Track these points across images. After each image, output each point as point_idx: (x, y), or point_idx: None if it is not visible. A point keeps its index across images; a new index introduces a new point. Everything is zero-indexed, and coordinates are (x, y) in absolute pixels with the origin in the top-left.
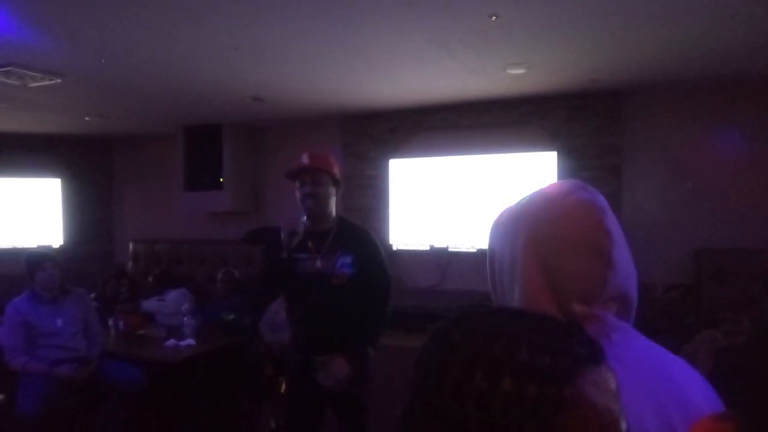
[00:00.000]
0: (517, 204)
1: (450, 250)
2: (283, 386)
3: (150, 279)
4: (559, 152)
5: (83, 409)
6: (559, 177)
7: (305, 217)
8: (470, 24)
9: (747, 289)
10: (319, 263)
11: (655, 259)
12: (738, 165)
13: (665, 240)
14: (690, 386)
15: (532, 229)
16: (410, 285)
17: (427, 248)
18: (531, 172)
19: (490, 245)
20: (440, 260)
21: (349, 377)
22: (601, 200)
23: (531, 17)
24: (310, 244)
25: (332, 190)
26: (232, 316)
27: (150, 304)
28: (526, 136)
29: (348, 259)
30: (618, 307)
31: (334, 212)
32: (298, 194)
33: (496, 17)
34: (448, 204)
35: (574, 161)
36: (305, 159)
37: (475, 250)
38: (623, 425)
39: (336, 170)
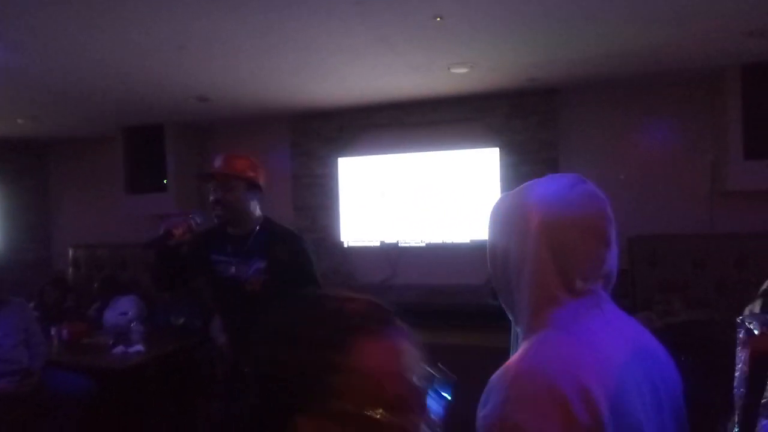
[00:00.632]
0: (516, 194)
1: (400, 245)
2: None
3: (95, 285)
4: (501, 148)
5: (28, 423)
6: (501, 172)
7: (223, 223)
8: (415, 24)
9: (677, 271)
10: (233, 269)
11: None
12: (665, 156)
13: None
14: (658, 349)
15: (544, 216)
16: (362, 281)
17: (378, 244)
18: (475, 168)
19: (491, 235)
20: (390, 255)
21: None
22: (601, 192)
23: (474, 19)
24: (228, 248)
25: (248, 195)
26: (182, 320)
27: (96, 313)
28: (470, 132)
29: (261, 264)
30: (604, 283)
31: (256, 215)
32: (211, 196)
33: (441, 18)
34: (397, 200)
35: (515, 156)
36: (217, 162)
37: (424, 245)
38: (408, 388)
39: (252, 174)
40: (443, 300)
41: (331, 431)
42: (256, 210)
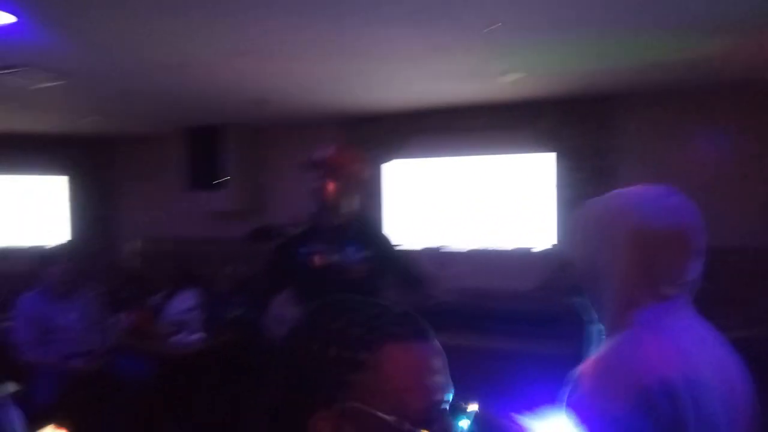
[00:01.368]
0: (607, 201)
1: (445, 249)
2: None
3: (167, 275)
4: (557, 153)
5: (94, 401)
6: (557, 178)
7: (321, 212)
8: (470, 32)
9: (737, 285)
10: (335, 257)
11: None
12: (726, 167)
13: None
14: (733, 357)
15: (636, 224)
16: None
17: (420, 248)
18: (527, 174)
19: (581, 237)
20: (433, 259)
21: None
22: (692, 203)
23: (529, 26)
24: (326, 237)
25: (348, 186)
26: (239, 312)
27: (160, 301)
28: (523, 138)
29: (365, 252)
30: (688, 289)
31: (354, 207)
32: (313, 188)
33: (495, 26)
34: (444, 204)
35: (570, 162)
36: (325, 152)
37: (469, 250)
38: (428, 405)
39: (356, 167)
40: (488, 304)
41: (346, 431)
42: (354, 204)
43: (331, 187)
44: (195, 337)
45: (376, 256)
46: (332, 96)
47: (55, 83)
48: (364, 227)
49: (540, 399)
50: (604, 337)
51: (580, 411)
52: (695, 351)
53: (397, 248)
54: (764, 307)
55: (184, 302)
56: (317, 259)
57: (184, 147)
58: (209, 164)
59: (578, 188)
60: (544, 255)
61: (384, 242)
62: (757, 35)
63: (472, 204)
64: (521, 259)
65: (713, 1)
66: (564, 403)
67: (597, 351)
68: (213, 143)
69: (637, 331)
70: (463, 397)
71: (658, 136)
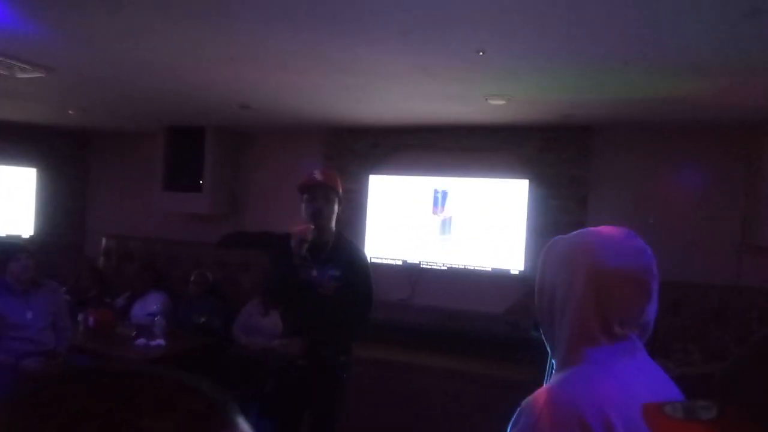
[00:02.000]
0: (571, 239)
1: (422, 266)
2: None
3: (137, 275)
4: (530, 180)
5: (51, 404)
6: (530, 204)
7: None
8: (457, 56)
9: (699, 321)
10: (314, 273)
11: None
12: (696, 202)
13: None
14: (678, 395)
15: (595, 265)
16: (381, 297)
17: (399, 263)
18: (503, 197)
19: (541, 271)
20: (411, 275)
21: (300, 354)
22: (650, 249)
23: (515, 54)
24: (309, 254)
25: (336, 207)
26: (203, 319)
27: (123, 303)
28: (501, 162)
29: (337, 272)
30: (640, 332)
31: (333, 226)
32: (305, 207)
33: (483, 52)
34: (422, 222)
35: (544, 190)
36: (318, 175)
37: (445, 268)
38: None
39: (340, 188)
40: (460, 325)
41: None
42: (334, 221)
43: (327, 208)
44: (157, 342)
45: (345, 277)
46: (315, 106)
47: (35, 75)
48: (342, 247)
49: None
50: (554, 371)
51: None
52: (642, 392)
53: (365, 274)
54: (722, 343)
55: (150, 305)
56: (300, 273)
57: (163, 146)
58: (188, 165)
59: (551, 215)
60: (517, 279)
61: (356, 265)
62: (735, 78)
63: (452, 223)
64: (496, 281)
65: (699, 44)
66: None
67: (545, 385)
68: (193, 144)
69: (585, 368)
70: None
71: (634, 168)
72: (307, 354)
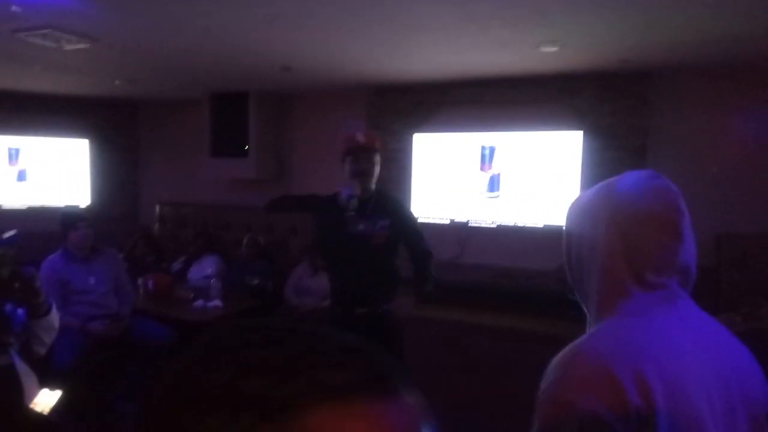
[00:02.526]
0: (593, 190)
1: (470, 225)
2: None
3: (195, 241)
4: (585, 132)
5: (115, 364)
6: (584, 157)
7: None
8: (507, 1)
9: (767, 273)
10: (361, 226)
11: None
12: (761, 149)
13: None
14: (741, 355)
15: (616, 209)
16: None
17: (447, 222)
18: (556, 151)
19: (567, 227)
20: (459, 234)
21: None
22: (675, 186)
23: None
24: (357, 208)
25: (378, 168)
26: (256, 281)
27: (179, 267)
28: (553, 114)
29: (386, 222)
30: (681, 279)
31: (374, 186)
32: (349, 168)
33: None
34: (470, 179)
35: (599, 141)
36: (361, 138)
37: (494, 226)
38: None
39: (383, 149)
40: (511, 283)
41: None
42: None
43: (374, 169)
44: (214, 303)
45: (394, 224)
46: (357, 64)
47: (81, 46)
48: (385, 199)
49: None
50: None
51: (545, 404)
52: (679, 344)
53: (415, 221)
54: None
55: (205, 269)
56: (347, 228)
57: (208, 113)
58: (233, 131)
59: (607, 168)
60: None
61: (403, 214)
62: None
63: (500, 180)
64: (548, 237)
65: None
66: (538, 394)
67: (576, 341)
68: (237, 110)
69: (618, 321)
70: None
71: (694, 116)
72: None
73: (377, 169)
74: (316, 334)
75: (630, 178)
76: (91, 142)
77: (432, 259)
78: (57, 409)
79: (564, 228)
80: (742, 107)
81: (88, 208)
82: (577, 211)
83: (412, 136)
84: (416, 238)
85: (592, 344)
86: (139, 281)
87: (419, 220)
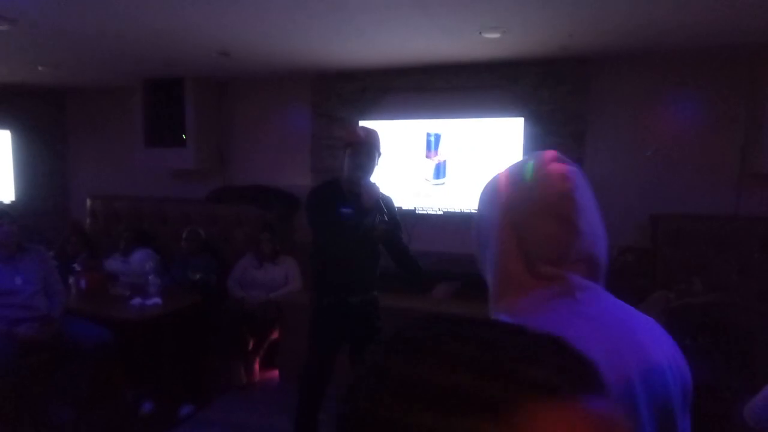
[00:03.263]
0: (498, 175)
1: (417, 212)
2: (251, 343)
3: (123, 235)
4: (526, 118)
5: (46, 369)
6: (526, 143)
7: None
8: None
9: (700, 252)
10: (356, 218)
11: (613, 224)
12: (695, 133)
13: (624, 205)
14: (652, 342)
15: (509, 194)
16: None
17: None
18: (499, 137)
19: (477, 209)
20: (407, 222)
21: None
22: (573, 171)
23: None
24: (352, 203)
25: (375, 164)
26: (198, 275)
27: (114, 264)
28: (496, 100)
29: (381, 216)
30: (586, 269)
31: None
32: (347, 162)
33: None
34: (416, 167)
35: (540, 127)
36: (362, 133)
37: (441, 213)
38: None
39: (381, 145)
40: (459, 269)
41: None
42: None
43: (371, 165)
44: (153, 301)
45: (390, 219)
46: (300, 49)
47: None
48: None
49: None
50: None
51: None
52: (576, 339)
53: (396, 211)
54: (724, 273)
55: (141, 265)
56: (344, 221)
57: (142, 100)
58: (169, 119)
59: None
60: None
61: (391, 204)
62: (742, 3)
63: (446, 167)
64: None
65: None
66: None
67: None
68: (173, 97)
69: (511, 319)
70: None
71: (632, 100)
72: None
73: (374, 165)
74: (508, 333)
75: (529, 162)
76: (13, 133)
77: (416, 261)
78: None
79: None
80: (676, 91)
81: (12, 203)
82: (483, 192)
83: (357, 124)
84: (399, 232)
85: None
86: (71, 280)
87: None
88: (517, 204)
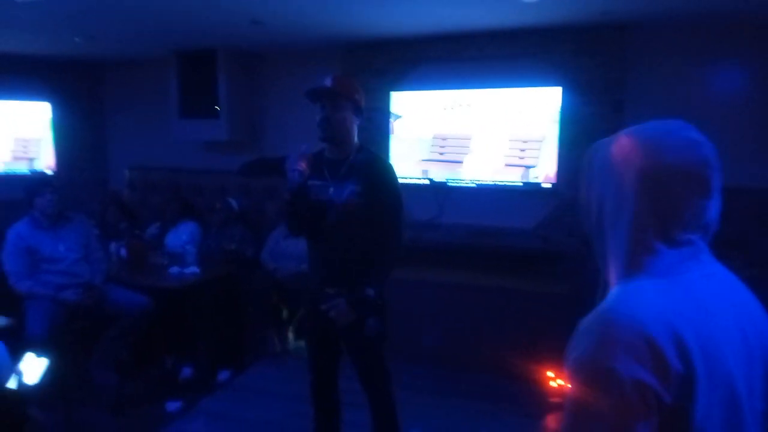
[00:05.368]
0: (615, 141)
1: (449, 183)
2: (285, 312)
3: (172, 207)
4: (563, 87)
5: (90, 333)
6: (563, 113)
7: (325, 144)
8: None
9: (742, 227)
10: (331, 190)
11: None
12: (738, 103)
13: None
14: (756, 308)
15: (645, 162)
16: (408, 217)
17: (426, 182)
18: (533, 108)
19: (586, 183)
20: (438, 193)
21: (348, 319)
22: (706, 139)
23: None
24: (326, 171)
25: (352, 117)
26: (233, 246)
27: (155, 233)
28: (531, 69)
29: (357, 188)
30: (703, 233)
31: (355, 140)
32: (317, 118)
33: None
34: (448, 138)
35: (578, 97)
36: (327, 81)
37: (473, 185)
38: None
39: (358, 96)
40: (491, 242)
41: None
42: (355, 135)
43: (336, 116)
44: (191, 270)
45: (366, 192)
46: (331, 17)
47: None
48: (363, 160)
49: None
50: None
51: (582, 370)
52: (709, 302)
53: (388, 191)
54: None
55: (180, 234)
56: (314, 193)
57: (176, 72)
58: (202, 91)
59: (585, 124)
60: (549, 192)
61: (377, 180)
62: None
63: (479, 137)
64: (527, 195)
65: None
66: (566, 363)
67: (601, 303)
68: (206, 69)
69: (647, 280)
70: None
71: (673, 69)
72: (352, 308)
73: (347, 118)
74: None
75: (659, 129)
76: (54, 106)
77: (397, 235)
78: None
79: (582, 184)
80: (719, 60)
81: (54, 174)
82: (599, 166)
83: (389, 95)
84: (380, 214)
85: (625, 308)
86: (112, 248)
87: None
88: (656, 171)
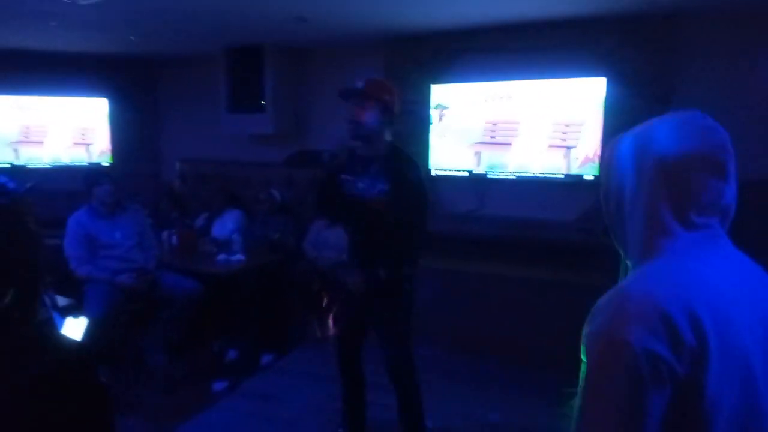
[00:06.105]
0: (634, 133)
1: (488, 176)
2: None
3: (217, 196)
4: (608, 78)
5: (143, 317)
6: (607, 105)
7: (356, 141)
8: None
9: None
10: (360, 185)
11: None
12: None
13: None
14: None
15: (662, 151)
16: (448, 209)
17: (466, 174)
18: (576, 99)
19: (605, 174)
20: (478, 186)
21: (358, 288)
22: (722, 127)
23: None
24: (358, 168)
25: (382, 118)
26: (277, 236)
27: (204, 223)
28: (575, 60)
29: (385, 186)
30: (720, 218)
31: (387, 139)
32: (348, 115)
33: None
34: (498, 123)
35: (623, 88)
36: (360, 83)
37: (514, 177)
38: None
39: (389, 98)
40: (532, 234)
41: None
42: (387, 135)
43: (364, 117)
44: (237, 257)
45: (393, 191)
46: (375, 14)
47: (96, 0)
48: (394, 160)
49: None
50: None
51: (597, 343)
52: (725, 282)
53: (413, 191)
54: None
55: (227, 224)
56: (346, 188)
57: (224, 68)
58: (249, 86)
59: (630, 116)
60: (591, 184)
61: (405, 179)
62: None
63: (525, 123)
64: (569, 187)
65: None
66: (582, 337)
67: (622, 283)
68: (253, 65)
69: (663, 261)
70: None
71: (724, 61)
72: (364, 280)
73: (377, 119)
74: None
75: (674, 120)
76: (111, 101)
77: (418, 230)
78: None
79: (602, 174)
80: None
81: (110, 166)
82: (618, 157)
83: (429, 87)
84: (405, 211)
85: (641, 285)
86: (163, 236)
87: (438, 173)
88: (673, 158)
